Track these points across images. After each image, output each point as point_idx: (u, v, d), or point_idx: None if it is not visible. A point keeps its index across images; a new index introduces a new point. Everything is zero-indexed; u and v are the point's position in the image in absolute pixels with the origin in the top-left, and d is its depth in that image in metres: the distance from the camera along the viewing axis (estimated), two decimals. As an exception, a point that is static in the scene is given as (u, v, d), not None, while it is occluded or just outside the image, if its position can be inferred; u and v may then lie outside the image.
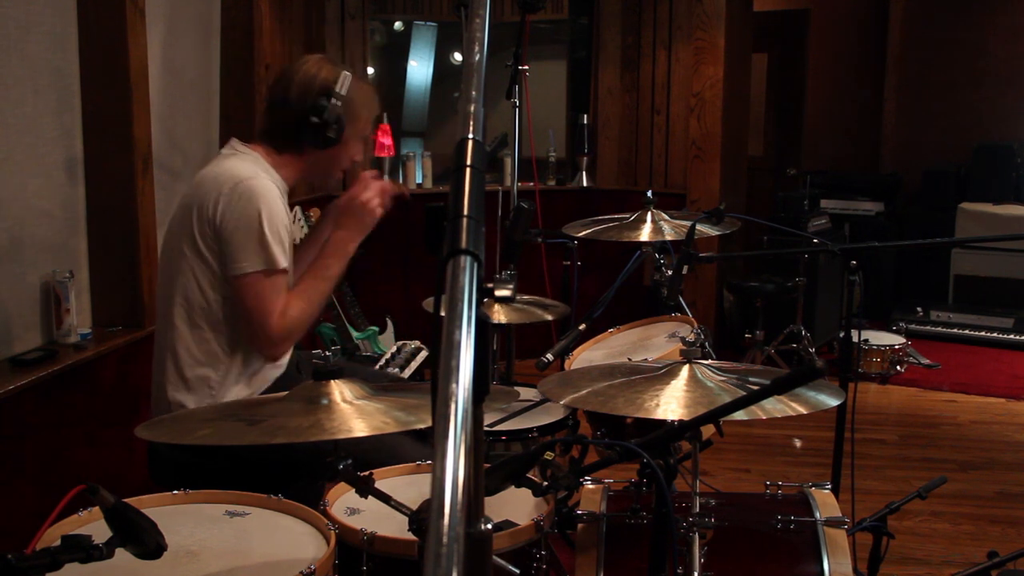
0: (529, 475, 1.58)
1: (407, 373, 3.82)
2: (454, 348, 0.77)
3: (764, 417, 1.63)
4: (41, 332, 2.72)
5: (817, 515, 1.92)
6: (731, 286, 5.73)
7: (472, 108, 0.94)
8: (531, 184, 5.12)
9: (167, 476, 2.23)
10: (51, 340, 2.74)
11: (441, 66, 6.18)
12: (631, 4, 5.68)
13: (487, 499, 1.09)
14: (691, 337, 2.08)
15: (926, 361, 5.60)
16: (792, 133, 7.57)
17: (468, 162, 0.92)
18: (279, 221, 2.25)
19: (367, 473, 1.68)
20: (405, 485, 2.00)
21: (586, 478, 2.00)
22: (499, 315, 2.70)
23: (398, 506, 1.64)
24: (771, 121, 7.54)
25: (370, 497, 1.67)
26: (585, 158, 5.71)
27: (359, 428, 1.53)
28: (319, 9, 5.06)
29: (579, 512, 1.92)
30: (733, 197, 5.56)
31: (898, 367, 5.36)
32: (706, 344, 2.27)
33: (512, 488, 1.53)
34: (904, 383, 5.33)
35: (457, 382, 0.74)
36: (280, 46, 4.31)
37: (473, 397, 0.75)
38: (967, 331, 6.11)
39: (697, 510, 1.77)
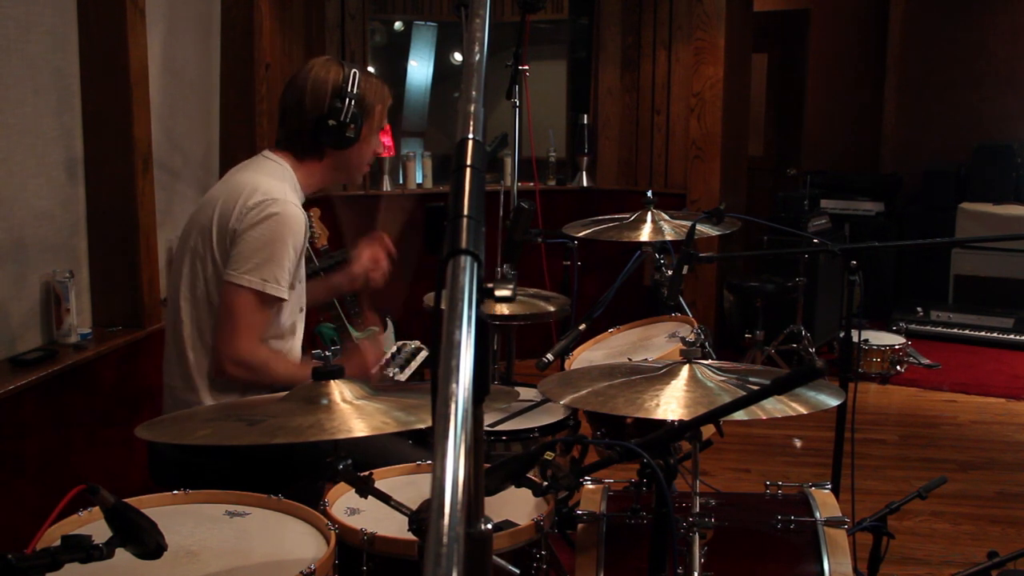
0: (529, 475, 1.58)
1: (407, 373, 3.82)
2: (454, 348, 0.77)
3: (764, 417, 1.63)
4: (41, 332, 2.72)
5: (817, 515, 1.92)
6: (731, 286, 5.73)
7: (472, 108, 0.94)
8: (531, 184, 5.12)
9: (167, 476, 2.23)
10: (51, 340, 2.74)
11: (441, 66, 6.18)
12: (631, 4, 5.68)
13: (487, 499, 1.09)
14: (691, 337, 2.09)
15: (926, 361, 5.60)
16: (792, 133, 7.57)
17: (468, 162, 0.91)
18: (298, 251, 2.25)
19: (367, 473, 1.68)
20: (405, 485, 2.00)
21: (586, 478, 2.00)
22: (501, 308, 2.71)
23: (398, 506, 1.64)
24: (771, 121, 7.54)
25: (370, 497, 1.67)
26: (585, 158, 5.71)
27: (359, 428, 1.53)
28: (319, 9, 5.06)
29: (579, 512, 1.92)
30: (733, 197, 5.56)
31: (898, 367, 5.36)
32: (706, 344, 2.27)
33: (512, 488, 1.53)
34: (904, 383, 5.33)
35: (457, 382, 0.74)
36: (280, 46, 4.31)
37: (473, 397, 0.75)
38: (967, 331, 6.11)
39: (697, 510, 1.77)
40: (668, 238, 2.91)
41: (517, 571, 1.75)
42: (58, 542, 1.33)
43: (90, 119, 2.89)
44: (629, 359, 2.56)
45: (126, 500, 1.40)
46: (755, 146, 7.06)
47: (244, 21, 3.93)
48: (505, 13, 5.27)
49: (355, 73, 2.34)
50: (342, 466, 1.63)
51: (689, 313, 3.08)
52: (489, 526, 0.98)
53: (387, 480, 2.00)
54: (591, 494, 1.99)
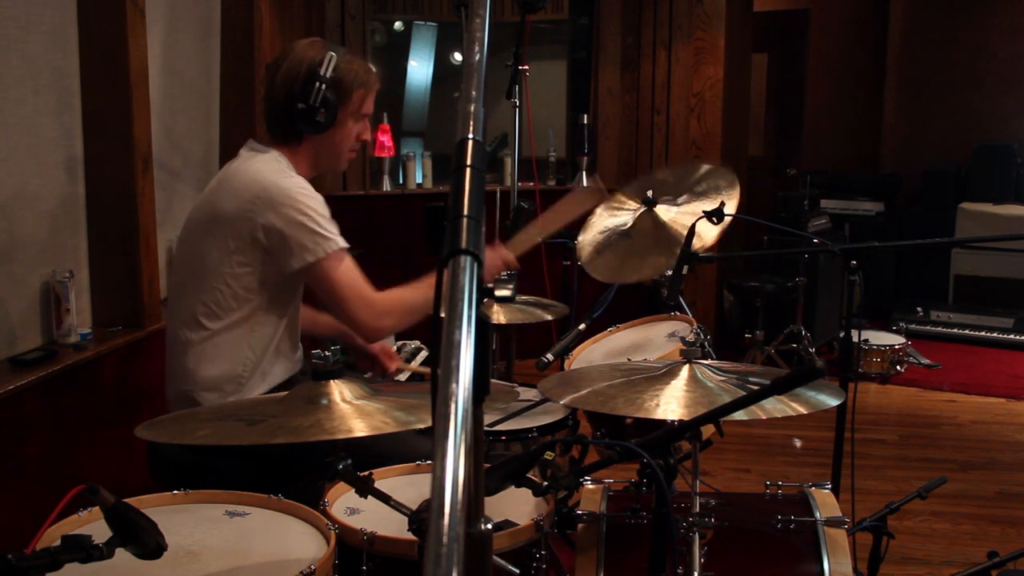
0: (529, 475, 1.58)
1: (407, 373, 3.81)
2: (454, 348, 0.77)
3: (764, 417, 1.63)
4: (41, 332, 2.72)
5: (817, 515, 1.92)
6: (731, 286, 5.73)
7: (472, 108, 0.94)
8: (531, 184, 5.12)
9: (167, 476, 2.23)
10: (51, 340, 2.74)
11: (441, 66, 6.18)
12: (631, 4, 5.68)
13: (487, 499, 1.09)
14: (691, 337, 2.09)
15: (926, 361, 5.60)
16: (792, 133, 7.57)
17: (468, 162, 0.91)
18: (323, 208, 2.24)
19: (367, 473, 1.68)
20: (405, 485, 2.00)
21: (586, 478, 2.00)
22: (499, 315, 2.71)
23: (398, 506, 1.64)
24: (771, 121, 7.54)
25: (370, 497, 1.67)
26: (585, 158, 5.71)
27: (359, 428, 1.53)
28: (319, 9, 5.06)
29: (579, 512, 1.92)
30: (733, 197, 5.55)
31: (898, 367, 5.36)
32: (706, 344, 2.28)
33: (512, 488, 1.53)
34: (904, 383, 5.33)
35: (457, 382, 0.74)
36: (280, 46, 4.30)
37: (473, 397, 0.75)
38: (967, 331, 6.12)
39: (697, 510, 1.77)
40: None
41: (517, 571, 1.75)
42: (58, 542, 1.33)
43: (90, 119, 2.89)
44: (629, 359, 2.56)
45: (126, 500, 1.40)
46: (755, 146, 7.06)
47: (244, 21, 3.93)
48: (505, 13, 5.27)
49: (332, 56, 2.28)
50: (342, 466, 1.63)
51: (689, 313, 3.08)
52: (489, 526, 0.98)
53: (387, 480, 2.00)
54: (591, 494, 1.99)
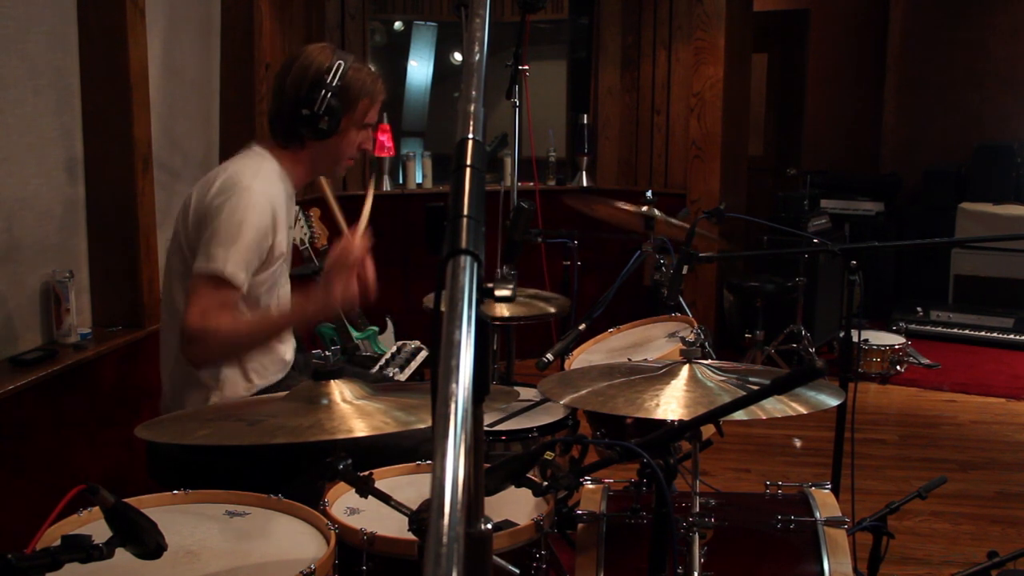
0: (529, 475, 1.58)
1: (407, 373, 3.82)
2: (454, 348, 0.77)
3: (764, 417, 1.63)
4: (41, 332, 2.72)
5: (817, 515, 1.92)
6: (731, 286, 5.73)
7: (472, 108, 0.94)
8: (531, 184, 5.12)
9: (167, 476, 2.23)
10: (51, 340, 2.74)
11: (441, 66, 6.18)
12: (631, 4, 5.67)
13: (487, 499, 1.09)
14: (691, 337, 2.09)
15: (926, 361, 5.60)
16: (792, 133, 7.57)
17: (468, 162, 0.91)
18: (260, 232, 2.18)
19: (367, 473, 1.68)
20: (405, 485, 2.00)
21: (586, 478, 2.00)
22: (501, 310, 2.70)
23: (398, 506, 1.64)
24: (771, 121, 7.54)
25: (370, 497, 1.67)
26: (585, 158, 5.71)
27: (359, 428, 1.53)
28: (319, 9, 5.05)
29: (579, 512, 1.92)
30: (733, 197, 5.56)
31: (898, 367, 5.36)
32: (706, 344, 2.28)
33: (512, 488, 1.53)
34: (904, 383, 5.33)
35: (457, 382, 0.74)
36: (280, 46, 4.30)
37: (473, 397, 0.75)
38: (967, 331, 6.11)
39: (697, 510, 1.77)
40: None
41: (517, 571, 1.76)
42: (58, 542, 1.33)
43: (90, 119, 2.89)
44: (629, 359, 2.56)
45: (126, 500, 1.40)
46: (755, 146, 7.06)
47: (244, 21, 3.93)
48: (505, 13, 5.26)
49: (340, 64, 2.28)
50: (342, 466, 1.63)
51: (689, 313, 3.08)
52: (489, 526, 0.98)
53: (387, 480, 2.00)
54: (591, 494, 1.99)
